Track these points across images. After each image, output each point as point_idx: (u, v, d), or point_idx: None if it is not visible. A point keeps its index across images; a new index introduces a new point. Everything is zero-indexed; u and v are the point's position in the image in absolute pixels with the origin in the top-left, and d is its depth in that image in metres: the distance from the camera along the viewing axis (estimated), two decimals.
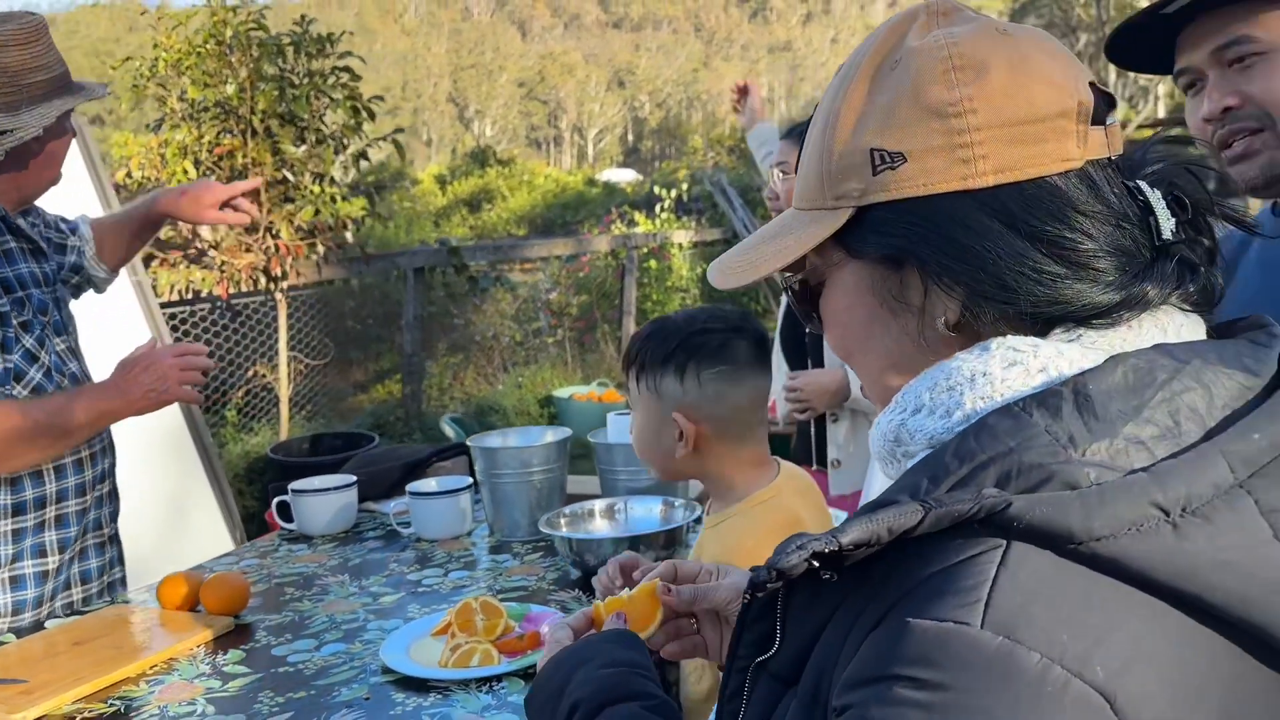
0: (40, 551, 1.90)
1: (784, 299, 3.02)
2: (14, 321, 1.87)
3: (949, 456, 0.61)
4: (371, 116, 5.41)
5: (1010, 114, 0.66)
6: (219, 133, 5.07)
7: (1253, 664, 0.57)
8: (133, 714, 1.42)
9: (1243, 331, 0.69)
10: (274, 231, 5.23)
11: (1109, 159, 0.69)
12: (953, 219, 0.66)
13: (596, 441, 2.28)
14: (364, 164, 5.72)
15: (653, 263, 9.82)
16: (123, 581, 2.11)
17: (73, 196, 2.39)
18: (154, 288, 5.15)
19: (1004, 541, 0.57)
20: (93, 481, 2.00)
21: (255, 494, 5.58)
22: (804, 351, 2.69)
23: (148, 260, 5.35)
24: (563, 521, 1.94)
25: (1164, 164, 0.69)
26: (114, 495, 2.10)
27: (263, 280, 5.47)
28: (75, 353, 2.03)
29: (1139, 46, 1.30)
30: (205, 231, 5.21)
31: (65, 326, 2.02)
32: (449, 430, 6.28)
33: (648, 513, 1.98)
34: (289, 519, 2.26)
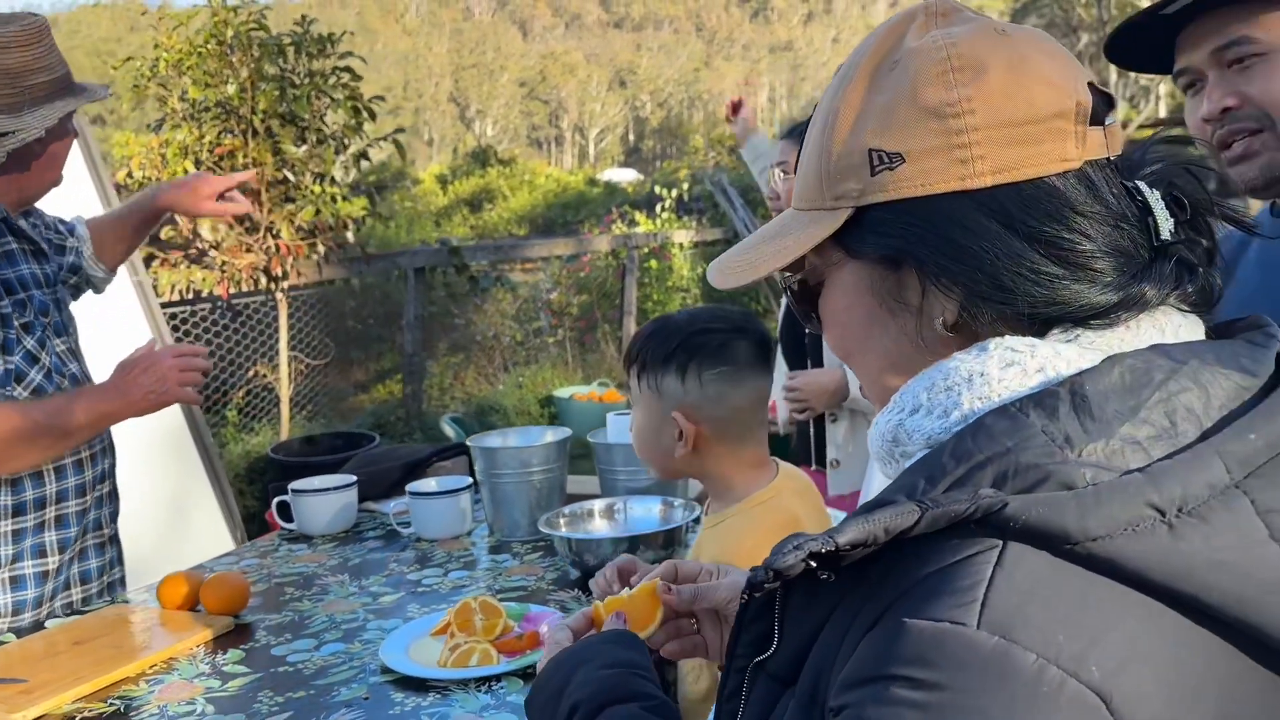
0: (40, 552, 1.91)
1: (784, 299, 3.02)
2: (15, 323, 1.87)
3: (946, 457, 0.61)
4: (372, 116, 5.41)
5: (1008, 114, 0.66)
6: (220, 133, 5.08)
7: (1249, 664, 0.57)
8: (132, 713, 1.42)
9: (1241, 332, 0.69)
10: (275, 231, 5.23)
11: (1108, 159, 0.69)
12: (950, 219, 0.66)
13: (596, 441, 2.28)
14: (365, 164, 5.72)
15: (653, 263, 9.82)
16: (122, 581, 2.11)
17: (73, 197, 2.39)
18: (155, 288, 5.15)
19: (1000, 542, 0.57)
20: (93, 482, 2.00)
21: (256, 494, 5.58)
22: (804, 351, 2.69)
23: (148, 260, 5.36)
24: (562, 521, 1.94)
25: (1163, 164, 0.69)
26: (114, 495, 2.10)
27: (263, 280, 5.47)
28: (75, 354, 2.03)
29: (1139, 46, 1.30)
30: (206, 231, 5.21)
31: (65, 328, 2.02)
32: (449, 430, 6.28)
33: (647, 513, 1.98)
34: (289, 519, 2.27)
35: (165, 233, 5.30)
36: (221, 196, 2.20)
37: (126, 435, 2.17)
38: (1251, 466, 0.57)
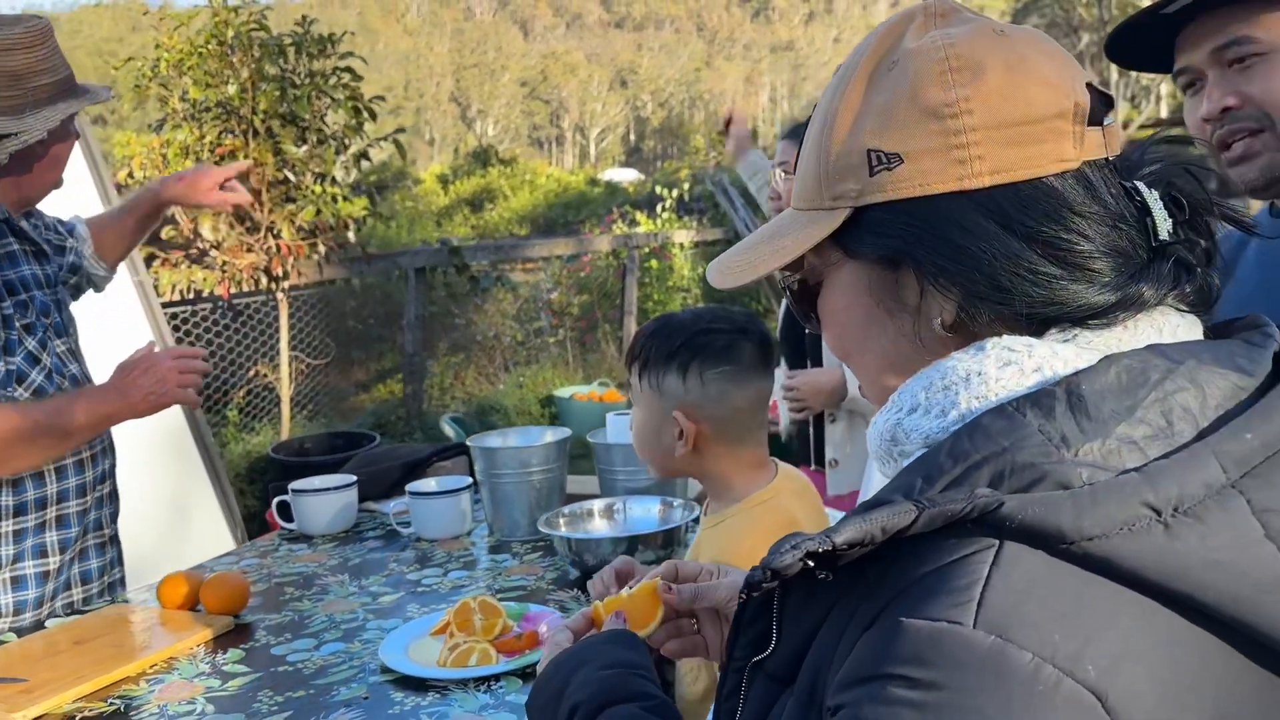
0: (41, 552, 1.91)
1: (785, 299, 3.01)
2: (17, 324, 1.87)
3: (943, 456, 0.61)
4: (373, 116, 5.42)
5: (1006, 115, 0.66)
6: (220, 133, 5.08)
7: (1245, 663, 0.57)
8: (133, 713, 1.43)
9: (1239, 331, 0.69)
10: (275, 231, 5.24)
11: (1106, 160, 0.69)
12: (948, 220, 0.66)
13: (596, 441, 2.28)
14: (365, 164, 5.73)
15: (654, 262, 9.83)
16: (122, 582, 2.11)
17: (75, 197, 2.39)
18: (155, 288, 5.15)
19: (997, 541, 0.57)
20: (93, 482, 2.00)
21: (256, 493, 5.58)
22: (804, 351, 2.69)
23: (149, 260, 5.36)
24: (562, 521, 1.94)
25: (1162, 164, 0.69)
26: (114, 496, 2.10)
27: (264, 280, 5.48)
28: (76, 354, 2.04)
29: (1139, 46, 1.30)
30: (207, 231, 5.22)
31: (66, 328, 2.02)
32: (449, 430, 6.28)
33: (646, 513, 1.98)
34: (289, 519, 2.27)
35: (166, 233, 5.31)
36: (222, 187, 2.21)
37: (127, 435, 2.17)
38: (1247, 466, 0.57)
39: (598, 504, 2.00)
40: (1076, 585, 0.55)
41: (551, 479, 2.15)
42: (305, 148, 5.18)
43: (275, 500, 2.29)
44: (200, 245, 5.38)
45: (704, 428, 1.40)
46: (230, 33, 5.05)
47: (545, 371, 8.37)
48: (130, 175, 5.29)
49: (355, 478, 2.34)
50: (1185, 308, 0.69)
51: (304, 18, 5.27)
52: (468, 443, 2.25)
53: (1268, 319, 0.69)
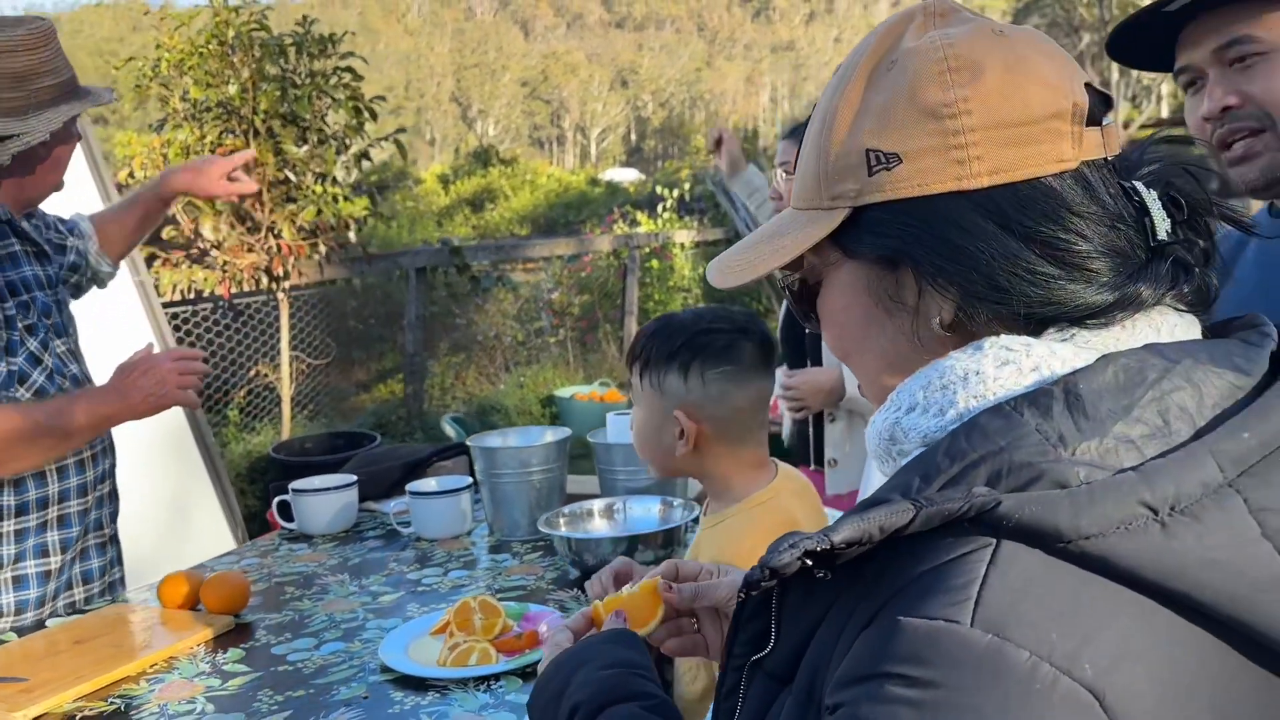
0: (43, 551, 1.91)
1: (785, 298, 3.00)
2: (19, 325, 1.87)
3: (940, 455, 0.62)
4: (374, 116, 5.42)
5: (1005, 115, 0.66)
6: (221, 133, 5.08)
7: (1242, 661, 0.57)
8: (133, 712, 1.43)
9: (1236, 331, 0.69)
10: (276, 231, 5.24)
11: (1105, 160, 0.69)
12: (947, 220, 0.66)
13: (596, 441, 2.28)
14: (366, 164, 5.73)
15: (655, 262, 9.83)
16: (122, 581, 2.12)
17: (76, 198, 2.39)
18: (156, 287, 5.15)
19: (994, 540, 0.57)
20: (94, 482, 2.00)
21: (257, 493, 5.59)
22: (804, 351, 2.69)
23: (150, 260, 5.36)
24: (562, 521, 1.94)
25: (1161, 164, 0.69)
26: (114, 495, 2.11)
27: (265, 280, 5.48)
28: (76, 355, 2.04)
29: (1140, 44, 1.30)
30: (207, 231, 5.22)
31: (66, 329, 2.03)
32: (450, 430, 6.28)
33: (646, 512, 1.98)
34: (289, 518, 2.27)
35: (167, 233, 5.31)
36: (228, 178, 2.22)
37: (128, 435, 2.18)
38: (1244, 465, 0.58)
39: (598, 504, 2.00)
40: (1074, 584, 0.55)
41: (551, 479, 2.15)
42: (306, 148, 5.19)
43: (276, 500, 2.29)
44: (201, 245, 5.38)
45: (705, 427, 1.41)
46: (231, 33, 5.05)
47: (546, 371, 8.37)
48: (131, 175, 5.30)
49: (355, 477, 2.34)
50: (1183, 307, 0.69)
51: (305, 18, 5.27)
52: (468, 442, 2.25)
53: (1265, 318, 0.69)
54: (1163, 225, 0.67)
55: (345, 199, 5.41)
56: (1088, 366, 0.62)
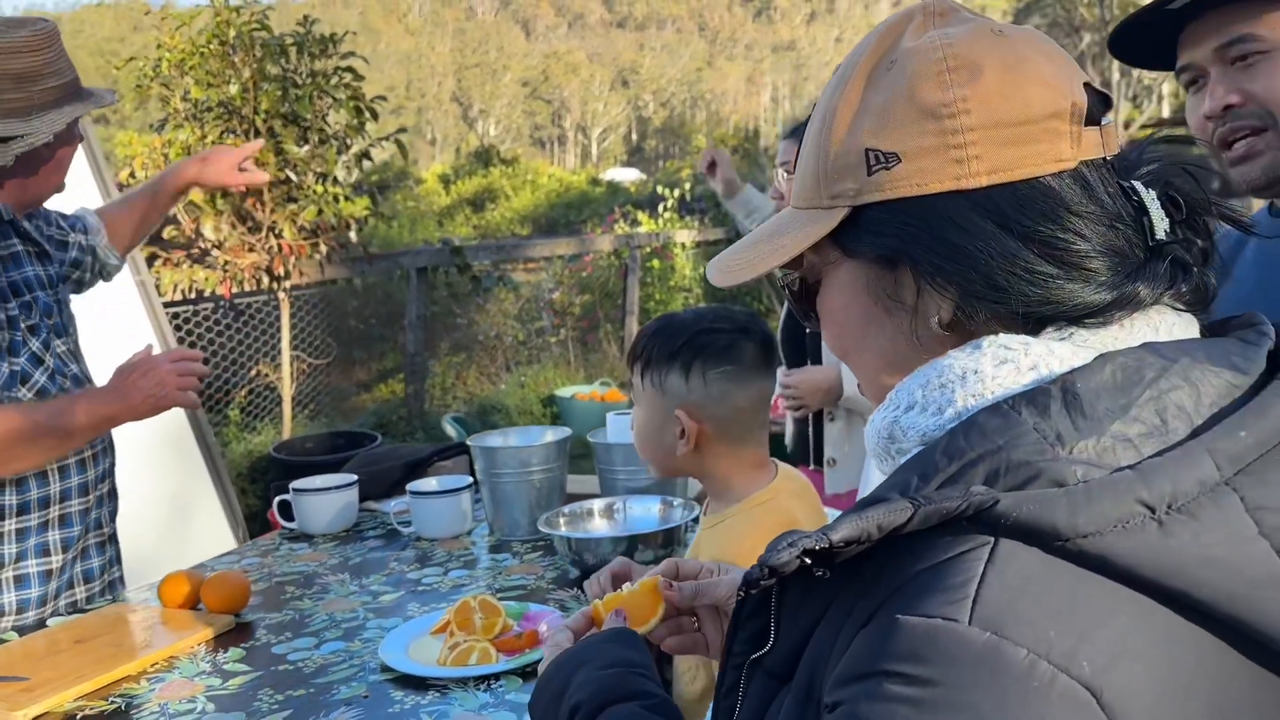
0: (44, 550, 1.91)
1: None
2: (22, 325, 1.88)
3: (939, 454, 0.62)
4: (375, 116, 5.42)
5: (1004, 115, 0.66)
6: (222, 133, 5.08)
7: (1240, 660, 0.57)
8: (133, 711, 1.43)
9: (1234, 330, 0.69)
10: (277, 231, 5.24)
11: (1104, 159, 0.69)
12: (946, 219, 0.66)
13: (596, 441, 2.28)
14: (367, 164, 5.73)
15: (656, 262, 9.82)
16: (121, 580, 2.12)
17: (76, 199, 2.39)
18: (157, 287, 5.15)
19: (992, 539, 0.57)
20: (94, 481, 2.01)
21: (258, 493, 5.59)
22: (804, 350, 2.69)
23: (151, 260, 5.36)
24: (562, 521, 1.94)
25: (1160, 164, 0.70)
26: (114, 494, 2.11)
27: (265, 280, 5.48)
28: (76, 354, 2.04)
29: (1142, 43, 1.30)
30: (208, 231, 5.23)
31: (66, 328, 2.03)
32: (451, 430, 6.29)
33: (646, 512, 1.98)
34: (290, 518, 2.27)
35: (168, 232, 5.32)
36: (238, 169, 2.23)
37: (128, 435, 2.18)
38: (1241, 464, 0.58)
39: (598, 503, 2.00)
40: (1071, 582, 0.56)
41: (552, 479, 2.15)
42: (307, 147, 5.19)
43: (276, 499, 2.29)
44: (202, 245, 5.39)
45: (705, 427, 1.41)
46: (232, 32, 5.06)
47: (547, 371, 8.37)
48: (132, 175, 5.30)
49: (356, 477, 2.34)
50: (1181, 307, 0.69)
51: (306, 17, 5.28)
52: (468, 442, 2.25)
53: (1263, 317, 0.69)
54: (1161, 225, 0.67)
55: (346, 199, 5.41)
56: (1086, 365, 0.63)
